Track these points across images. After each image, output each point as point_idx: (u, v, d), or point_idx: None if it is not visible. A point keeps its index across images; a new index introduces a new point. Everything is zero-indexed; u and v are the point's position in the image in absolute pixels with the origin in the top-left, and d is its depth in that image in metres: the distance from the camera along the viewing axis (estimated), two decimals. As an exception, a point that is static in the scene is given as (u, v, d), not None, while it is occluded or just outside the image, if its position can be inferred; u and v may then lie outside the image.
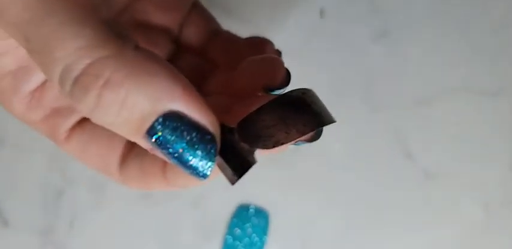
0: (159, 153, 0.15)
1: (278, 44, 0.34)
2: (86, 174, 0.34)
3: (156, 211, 0.34)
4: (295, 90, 0.15)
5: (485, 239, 0.35)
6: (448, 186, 0.35)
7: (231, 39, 0.23)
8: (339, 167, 0.34)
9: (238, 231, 0.34)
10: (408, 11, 0.34)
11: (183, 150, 0.15)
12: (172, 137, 0.15)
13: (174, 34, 0.22)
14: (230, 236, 0.34)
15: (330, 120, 0.15)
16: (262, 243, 0.34)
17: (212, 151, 0.15)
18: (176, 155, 0.15)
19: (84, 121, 0.20)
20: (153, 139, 0.15)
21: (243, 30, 0.34)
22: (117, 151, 0.20)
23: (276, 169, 0.34)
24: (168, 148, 0.15)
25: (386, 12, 0.33)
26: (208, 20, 0.23)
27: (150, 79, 0.14)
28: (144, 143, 0.15)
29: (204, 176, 0.16)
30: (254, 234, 0.34)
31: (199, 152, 0.15)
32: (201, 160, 0.15)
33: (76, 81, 0.14)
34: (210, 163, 0.15)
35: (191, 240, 0.34)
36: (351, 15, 0.34)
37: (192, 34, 0.22)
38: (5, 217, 0.34)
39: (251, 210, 0.34)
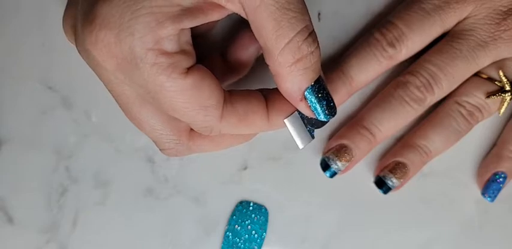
0: (306, 99, 0.24)
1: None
2: (90, 172, 0.34)
3: (158, 208, 0.34)
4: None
5: (479, 237, 0.35)
6: (442, 184, 0.35)
7: None
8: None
9: (238, 228, 0.34)
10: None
11: (323, 98, 0.25)
12: (321, 88, 0.25)
13: None
14: (230, 233, 0.34)
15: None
16: (262, 240, 0.34)
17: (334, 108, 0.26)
18: (324, 102, 0.25)
19: (196, 65, 0.24)
20: (314, 87, 0.24)
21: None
22: (222, 90, 0.25)
23: (275, 167, 0.34)
24: (317, 95, 0.24)
25: (383, 15, 0.34)
26: None
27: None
28: (303, 89, 0.24)
29: (326, 120, 0.26)
30: (254, 231, 0.34)
31: (330, 103, 0.25)
32: (329, 109, 0.25)
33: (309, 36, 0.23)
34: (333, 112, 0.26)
35: (192, 236, 0.34)
36: (348, 18, 0.34)
37: None
38: (10, 215, 0.34)
39: (251, 207, 0.34)
